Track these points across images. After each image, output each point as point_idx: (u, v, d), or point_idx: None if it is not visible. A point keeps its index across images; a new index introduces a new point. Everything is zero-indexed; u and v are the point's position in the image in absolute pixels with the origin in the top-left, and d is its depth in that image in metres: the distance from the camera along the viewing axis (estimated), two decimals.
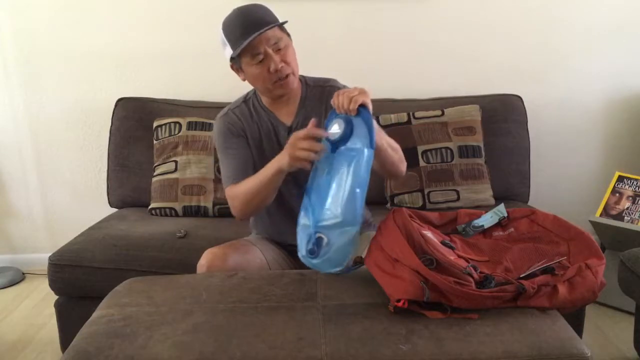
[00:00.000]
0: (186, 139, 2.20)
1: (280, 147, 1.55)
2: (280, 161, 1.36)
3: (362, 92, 1.27)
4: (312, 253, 1.26)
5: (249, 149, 1.55)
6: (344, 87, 1.58)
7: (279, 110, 1.56)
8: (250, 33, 1.39)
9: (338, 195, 1.23)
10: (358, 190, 1.22)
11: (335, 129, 1.27)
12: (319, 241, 1.24)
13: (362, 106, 1.25)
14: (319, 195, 1.28)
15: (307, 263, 1.30)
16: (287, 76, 1.46)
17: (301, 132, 1.29)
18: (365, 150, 1.23)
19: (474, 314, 1.13)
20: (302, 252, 1.30)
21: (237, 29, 1.42)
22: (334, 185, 1.25)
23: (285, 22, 1.45)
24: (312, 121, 1.33)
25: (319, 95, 1.57)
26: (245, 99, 1.59)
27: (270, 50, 1.43)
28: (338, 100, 1.28)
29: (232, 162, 1.53)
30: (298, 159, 1.28)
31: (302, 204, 1.33)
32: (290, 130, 1.55)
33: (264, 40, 1.41)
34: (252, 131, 1.55)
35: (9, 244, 2.72)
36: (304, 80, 1.58)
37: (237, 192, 1.48)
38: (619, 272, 1.70)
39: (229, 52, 1.46)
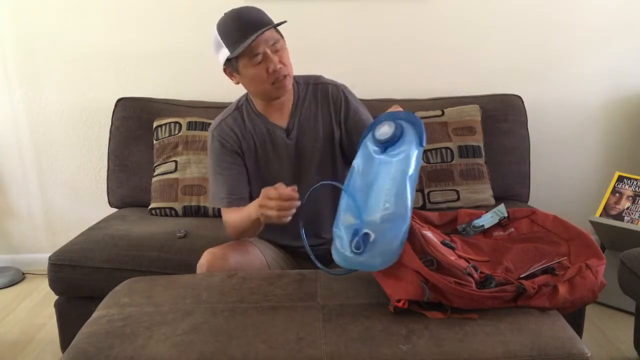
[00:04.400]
0: (186, 139, 2.20)
1: (276, 151, 1.56)
2: (257, 214, 1.38)
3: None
4: (357, 248, 1.13)
5: (243, 166, 1.56)
6: (332, 81, 1.60)
7: (273, 113, 1.56)
8: (249, 34, 1.39)
9: (389, 190, 1.16)
10: (408, 185, 1.14)
11: (385, 130, 1.21)
12: (365, 237, 1.13)
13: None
14: (365, 195, 1.20)
15: (348, 264, 1.16)
16: (284, 77, 1.46)
17: (271, 192, 1.31)
18: (415, 149, 1.18)
19: (474, 314, 1.13)
20: (344, 252, 1.16)
21: (234, 30, 1.41)
22: (383, 184, 1.17)
23: (285, 22, 1.44)
24: (281, 184, 1.33)
25: (312, 93, 1.58)
26: (238, 106, 1.59)
27: (269, 51, 1.42)
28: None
29: (225, 183, 1.55)
30: (269, 218, 1.33)
31: (342, 206, 1.23)
32: (287, 132, 1.55)
33: (262, 41, 1.41)
34: (246, 141, 1.55)
35: (9, 244, 2.72)
36: (294, 80, 1.58)
37: (229, 222, 1.55)
38: (619, 272, 1.70)
39: (224, 54, 1.45)
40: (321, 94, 1.57)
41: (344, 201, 1.23)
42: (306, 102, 1.56)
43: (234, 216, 1.52)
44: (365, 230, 1.13)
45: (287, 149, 1.55)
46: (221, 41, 1.44)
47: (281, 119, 1.56)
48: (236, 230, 1.54)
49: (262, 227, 1.48)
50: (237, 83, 1.52)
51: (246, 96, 1.59)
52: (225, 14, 1.45)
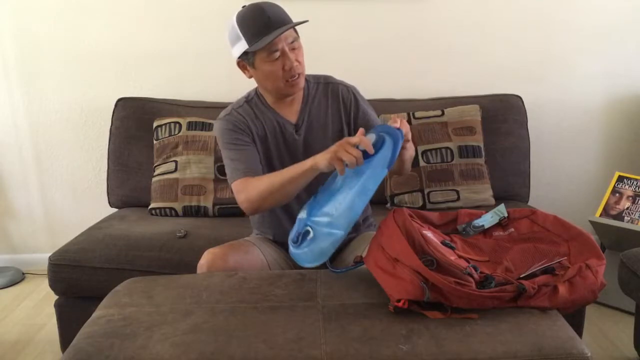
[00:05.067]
0: (186, 139, 2.20)
1: (286, 145, 1.56)
2: (316, 159, 1.33)
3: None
4: (294, 242, 1.30)
5: (254, 146, 1.55)
6: (342, 82, 1.61)
7: (284, 109, 1.56)
8: (271, 29, 1.39)
9: (341, 199, 1.27)
10: (358, 200, 1.26)
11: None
12: (305, 233, 1.29)
13: (401, 133, 1.27)
14: (324, 196, 1.32)
15: (290, 251, 1.34)
16: (298, 75, 1.47)
17: (354, 139, 1.27)
18: (382, 169, 1.26)
19: (474, 314, 1.13)
20: (289, 239, 1.34)
21: (256, 24, 1.41)
22: (341, 190, 1.28)
23: (306, 21, 1.45)
24: (362, 130, 1.30)
25: (322, 91, 1.59)
26: (248, 99, 1.59)
27: (287, 49, 1.43)
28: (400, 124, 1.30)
29: (243, 155, 1.51)
30: (339, 159, 1.25)
31: (308, 202, 1.36)
32: (297, 128, 1.56)
33: (283, 38, 1.41)
34: (257, 129, 1.55)
35: (9, 244, 2.72)
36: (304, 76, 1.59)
37: (254, 185, 1.44)
38: (619, 272, 1.70)
39: (242, 46, 1.44)
40: (332, 94, 1.58)
41: (312, 199, 1.35)
42: (316, 100, 1.58)
43: (267, 179, 1.43)
44: (307, 227, 1.28)
45: (295, 144, 1.56)
46: (240, 33, 1.43)
47: (291, 115, 1.56)
48: (275, 188, 1.40)
49: (308, 182, 1.40)
50: (250, 77, 1.52)
51: (256, 90, 1.60)
52: (245, 7, 1.44)
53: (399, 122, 1.29)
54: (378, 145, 1.27)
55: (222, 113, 1.58)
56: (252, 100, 1.58)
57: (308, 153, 1.56)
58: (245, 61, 1.48)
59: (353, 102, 1.58)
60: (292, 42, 1.44)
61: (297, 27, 1.47)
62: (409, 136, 1.32)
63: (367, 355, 1.03)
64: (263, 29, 1.40)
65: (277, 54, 1.42)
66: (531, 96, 2.44)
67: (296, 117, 1.56)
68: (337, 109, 1.58)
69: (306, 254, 1.29)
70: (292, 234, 1.33)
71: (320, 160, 1.32)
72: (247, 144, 1.53)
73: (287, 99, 1.54)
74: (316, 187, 1.39)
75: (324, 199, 1.31)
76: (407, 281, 1.13)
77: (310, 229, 1.28)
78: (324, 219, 1.27)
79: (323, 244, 1.27)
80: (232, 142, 1.53)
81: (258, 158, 1.54)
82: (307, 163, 1.36)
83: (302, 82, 1.50)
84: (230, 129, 1.53)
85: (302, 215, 1.33)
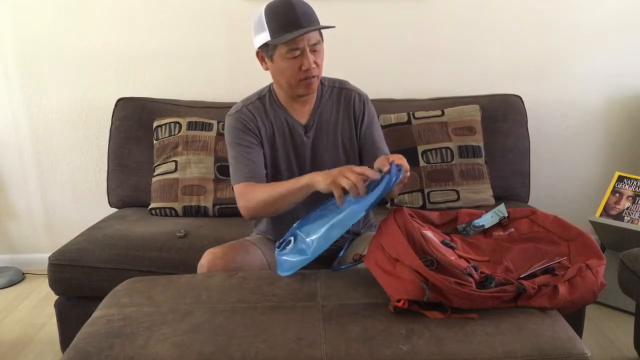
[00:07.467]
0: (186, 139, 2.20)
1: (294, 146, 1.57)
2: (314, 178, 1.33)
3: (401, 158, 1.28)
4: (278, 246, 1.39)
5: (262, 148, 1.55)
6: (356, 89, 1.61)
7: (295, 109, 1.57)
8: (297, 27, 1.39)
9: (321, 225, 1.29)
10: (335, 231, 1.26)
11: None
12: (287, 243, 1.36)
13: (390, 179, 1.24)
14: (317, 214, 1.36)
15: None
16: (313, 78, 1.46)
17: (357, 168, 1.26)
18: (362, 210, 1.25)
19: (474, 314, 1.13)
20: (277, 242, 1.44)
21: (283, 18, 1.40)
22: (326, 216, 1.31)
23: (333, 26, 1.45)
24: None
25: (336, 96, 1.59)
26: (260, 96, 1.59)
27: (308, 49, 1.42)
28: (386, 161, 1.27)
29: (247, 159, 1.52)
30: (338, 184, 1.25)
31: (312, 210, 1.41)
32: (306, 129, 1.56)
33: (306, 38, 1.41)
34: (265, 128, 1.56)
35: (9, 244, 2.72)
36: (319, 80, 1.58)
37: (254, 194, 1.46)
38: (619, 272, 1.70)
39: (264, 37, 1.43)
40: (344, 99, 1.59)
41: (314, 210, 1.41)
42: (328, 104, 1.58)
43: (266, 189, 1.45)
44: (291, 237, 1.35)
45: (302, 145, 1.56)
46: (265, 24, 1.42)
47: (302, 116, 1.57)
48: (271, 200, 1.43)
49: (303, 199, 1.41)
50: (266, 69, 1.52)
51: (269, 87, 1.60)
52: None
53: (388, 163, 1.26)
54: (372, 186, 1.25)
55: (233, 109, 1.58)
56: (264, 97, 1.58)
57: (315, 155, 1.57)
58: (264, 53, 1.48)
59: (361, 111, 1.59)
60: (315, 44, 1.44)
61: (322, 31, 1.47)
62: (407, 174, 1.28)
63: (367, 355, 1.03)
64: (289, 24, 1.39)
65: (297, 52, 1.42)
66: (531, 96, 2.44)
67: (307, 118, 1.56)
68: (347, 115, 1.58)
69: (279, 262, 1.35)
70: (281, 238, 1.39)
71: (318, 180, 1.31)
72: (253, 145, 1.54)
73: (300, 99, 1.54)
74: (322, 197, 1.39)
75: (315, 217, 1.34)
76: (407, 281, 1.13)
77: (292, 239, 1.32)
78: (303, 236, 1.31)
79: (294, 259, 1.31)
80: (238, 142, 1.53)
81: (263, 161, 1.55)
82: (303, 179, 1.36)
83: (315, 85, 1.49)
84: (239, 128, 1.54)
85: (295, 223, 1.39)
